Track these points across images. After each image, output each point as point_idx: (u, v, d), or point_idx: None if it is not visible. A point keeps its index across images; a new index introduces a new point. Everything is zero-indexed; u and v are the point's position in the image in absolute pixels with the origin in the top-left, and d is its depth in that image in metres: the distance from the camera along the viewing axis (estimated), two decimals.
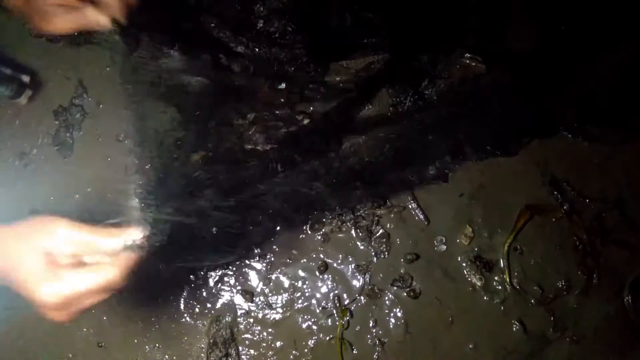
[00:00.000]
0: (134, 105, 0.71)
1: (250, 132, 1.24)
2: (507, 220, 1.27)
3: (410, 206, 1.26)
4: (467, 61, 1.27)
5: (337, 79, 1.29)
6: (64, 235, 0.67)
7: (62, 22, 0.76)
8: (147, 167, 0.67)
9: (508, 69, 1.22)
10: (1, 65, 1.18)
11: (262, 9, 1.16)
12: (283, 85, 1.23)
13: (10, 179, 1.26)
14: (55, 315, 0.67)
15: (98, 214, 0.89)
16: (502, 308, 1.24)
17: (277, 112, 1.26)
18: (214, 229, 0.91)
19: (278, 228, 1.24)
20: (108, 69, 1.29)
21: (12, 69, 1.20)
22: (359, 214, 1.25)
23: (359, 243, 1.25)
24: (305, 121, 1.25)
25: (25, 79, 1.22)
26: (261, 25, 1.18)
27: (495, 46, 1.25)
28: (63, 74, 1.30)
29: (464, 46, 1.26)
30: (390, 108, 1.29)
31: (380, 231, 1.24)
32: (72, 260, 0.67)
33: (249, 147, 1.23)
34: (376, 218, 1.25)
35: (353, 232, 1.25)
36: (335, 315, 1.21)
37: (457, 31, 1.29)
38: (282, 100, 1.26)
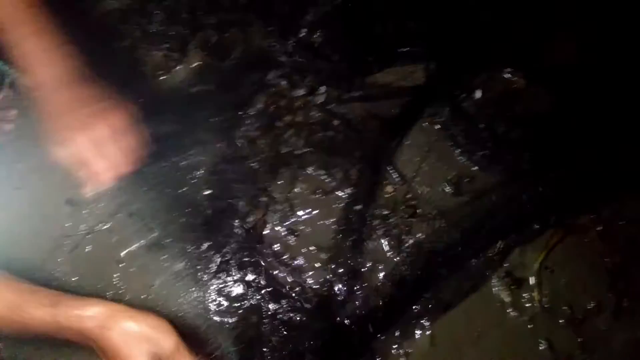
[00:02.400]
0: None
1: (286, 135, 1.25)
2: (539, 238, 1.26)
3: None
4: (508, 75, 1.26)
5: (375, 87, 1.29)
6: None
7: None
8: None
9: (552, 87, 1.21)
10: None
11: (307, 16, 1.17)
12: (322, 90, 1.23)
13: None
14: None
15: None
16: (529, 326, 1.22)
17: (314, 116, 1.27)
18: None
19: (307, 231, 1.25)
20: None
21: None
22: (390, 221, 1.25)
23: (388, 251, 1.24)
24: (342, 126, 1.25)
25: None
26: (304, 33, 1.19)
27: (540, 61, 1.24)
28: None
29: (505, 59, 1.26)
30: (427, 119, 1.29)
31: (411, 241, 1.24)
32: None
33: (285, 149, 1.23)
34: (407, 228, 1.25)
35: (383, 240, 1.24)
36: None
37: (498, 43, 1.28)
38: (319, 104, 1.27)
